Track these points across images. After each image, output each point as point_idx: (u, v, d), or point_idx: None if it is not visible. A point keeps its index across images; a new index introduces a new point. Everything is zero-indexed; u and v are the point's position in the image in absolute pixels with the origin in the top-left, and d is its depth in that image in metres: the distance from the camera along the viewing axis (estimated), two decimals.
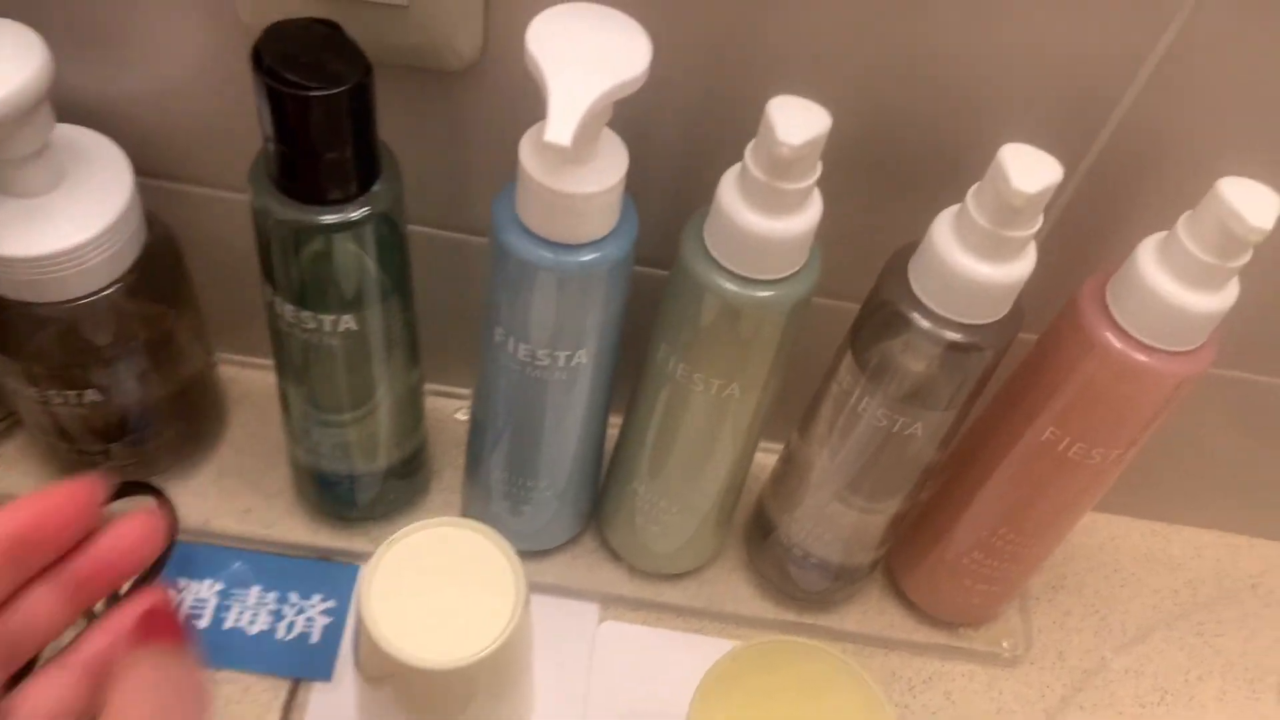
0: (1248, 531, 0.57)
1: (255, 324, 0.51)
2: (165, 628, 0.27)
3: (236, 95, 0.38)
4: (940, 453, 0.42)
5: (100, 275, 0.40)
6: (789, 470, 0.46)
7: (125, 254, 0.41)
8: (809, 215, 0.34)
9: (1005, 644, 0.51)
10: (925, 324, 0.36)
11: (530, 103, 0.32)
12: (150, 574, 0.43)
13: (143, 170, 0.41)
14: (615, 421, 0.46)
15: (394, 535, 0.39)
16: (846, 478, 0.43)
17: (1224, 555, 0.57)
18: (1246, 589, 0.56)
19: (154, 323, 0.44)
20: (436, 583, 0.38)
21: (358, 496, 0.48)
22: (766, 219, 0.34)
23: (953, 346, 0.36)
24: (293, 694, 0.45)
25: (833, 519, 0.45)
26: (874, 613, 0.51)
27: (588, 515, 0.50)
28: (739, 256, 0.35)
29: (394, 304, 0.40)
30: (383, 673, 0.39)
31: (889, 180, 0.40)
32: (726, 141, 0.36)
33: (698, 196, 0.37)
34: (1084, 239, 0.41)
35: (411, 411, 0.46)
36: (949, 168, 0.38)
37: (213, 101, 0.41)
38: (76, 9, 0.38)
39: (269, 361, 0.53)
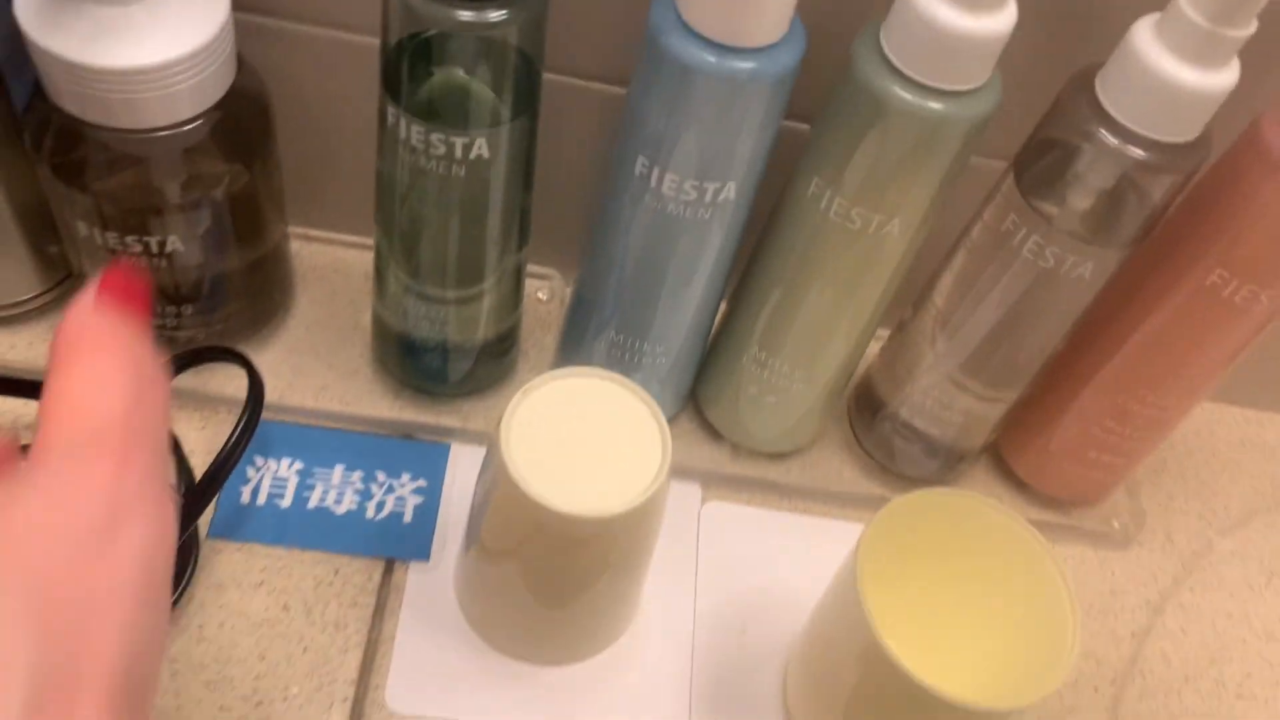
0: None
1: (326, 194, 0.47)
2: (125, 292, 0.24)
3: None
4: (1081, 317, 0.40)
5: (184, 105, 0.36)
6: (905, 343, 0.44)
7: (213, 87, 0.37)
8: (1007, 14, 0.32)
9: (1116, 524, 0.49)
10: (1113, 140, 0.33)
11: None
12: (239, 445, 0.39)
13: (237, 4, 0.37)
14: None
15: (531, 381, 0.36)
16: (975, 343, 0.41)
17: None
18: None
19: (235, 178, 0.40)
20: (577, 433, 0.35)
21: (449, 370, 0.45)
22: (960, 13, 0.31)
23: (1140, 167, 0.34)
24: (387, 575, 0.42)
25: (948, 398, 0.43)
26: (980, 491, 0.48)
27: (687, 396, 0.47)
28: (923, 59, 0.32)
29: (525, 133, 0.36)
30: (516, 532, 0.36)
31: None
32: None
33: (852, 23, 0.35)
34: (1267, 63, 0.38)
35: (516, 285, 0.43)
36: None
37: None
38: None
39: (336, 235, 0.50)
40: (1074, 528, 0.49)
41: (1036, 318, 0.39)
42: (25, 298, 0.44)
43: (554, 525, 0.34)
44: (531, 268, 0.50)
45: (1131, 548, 0.49)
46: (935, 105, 0.33)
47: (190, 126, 0.37)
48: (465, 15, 0.32)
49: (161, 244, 0.39)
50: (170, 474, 0.19)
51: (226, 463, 0.39)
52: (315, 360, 0.47)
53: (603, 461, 0.35)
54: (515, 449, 0.34)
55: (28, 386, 0.41)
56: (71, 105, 0.35)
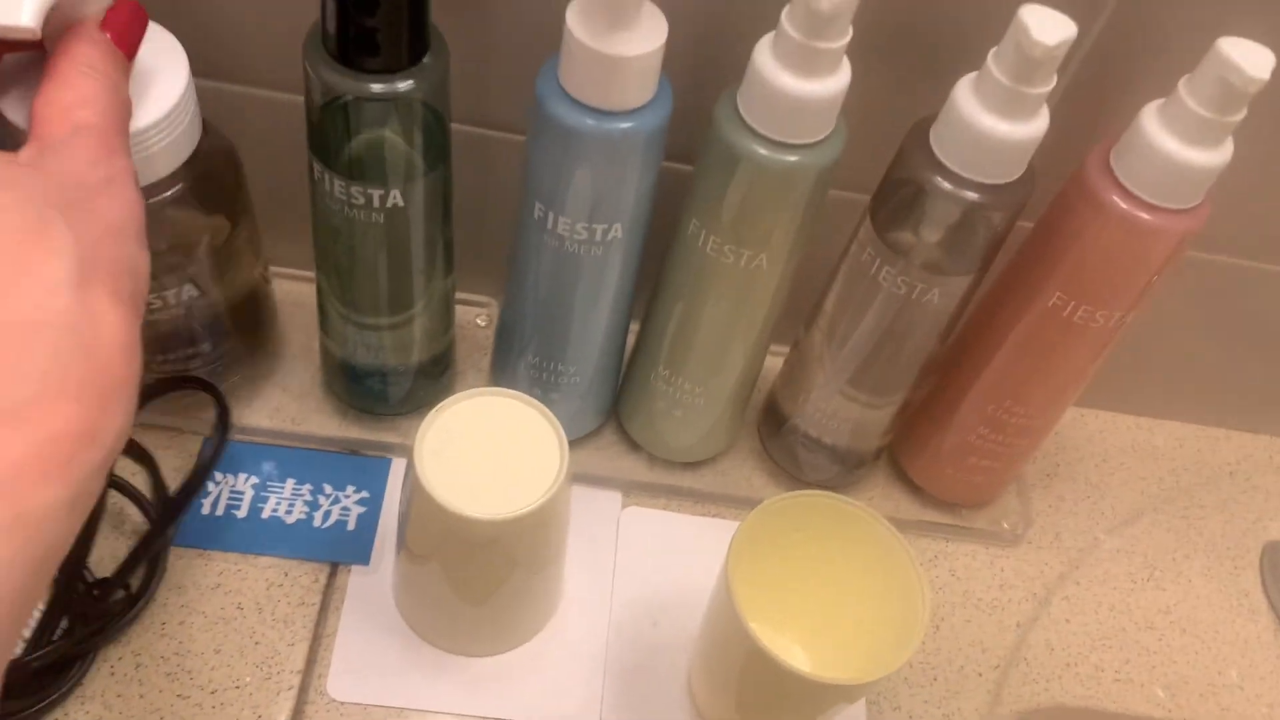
0: (1224, 424, 0.61)
1: (279, 232, 0.52)
2: (126, 28, 0.32)
3: None
4: (945, 333, 0.44)
5: (160, 165, 0.40)
6: (799, 362, 0.49)
7: (184, 145, 0.40)
8: (840, 79, 0.36)
9: (1005, 524, 0.54)
10: (946, 185, 0.38)
11: None
12: (209, 465, 0.44)
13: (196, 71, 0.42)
14: (632, 328, 0.48)
15: (443, 401, 0.41)
16: (856, 362, 0.45)
17: (1204, 446, 0.60)
18: (1225, 476, 0.59)
19: (217, 230, 0.43)
20: (484, 446, 0.40)
21: (389, 391, 0.50)
22: (800, 80, 0.36)
23: (972, 206, 0.38)
24: (332, 577, 0.47)
25: (839, 409, 0.48)
26: (880, 496, 0.53)
27: (608, 411, 0.52)
28: (773, 120, 0.37)
29: (437, 181, 0.41)
30: (432, 536, 0.41)
31: (907, 59, 0.43)
32: (746, 17, 0.38)
33: (719, 79, 0.40)
34: (1091, 108, 0.43)
35: (445, 310, 0.48)
36: (964, 47, 0.40)
37: None
38: None
39: (291, 270, 0.55)
40: (965, 528, 0.53)
41: (902, 336, 0.44)
42: None
43: (462, 529, 0.39)
44: (469, 295, 0.55)
45: (1020, 546, 0.54)
46: (786, 157, 0.38)
47: (170, 188, 0.40)
48: (376, 87, 0.37)
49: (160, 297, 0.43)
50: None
51: (197, 481, 0.44)
52: (270, 384, 0.52)
53: (507, 471, 0.40)
54: (427, 461, 0.39)
55: None
56: None
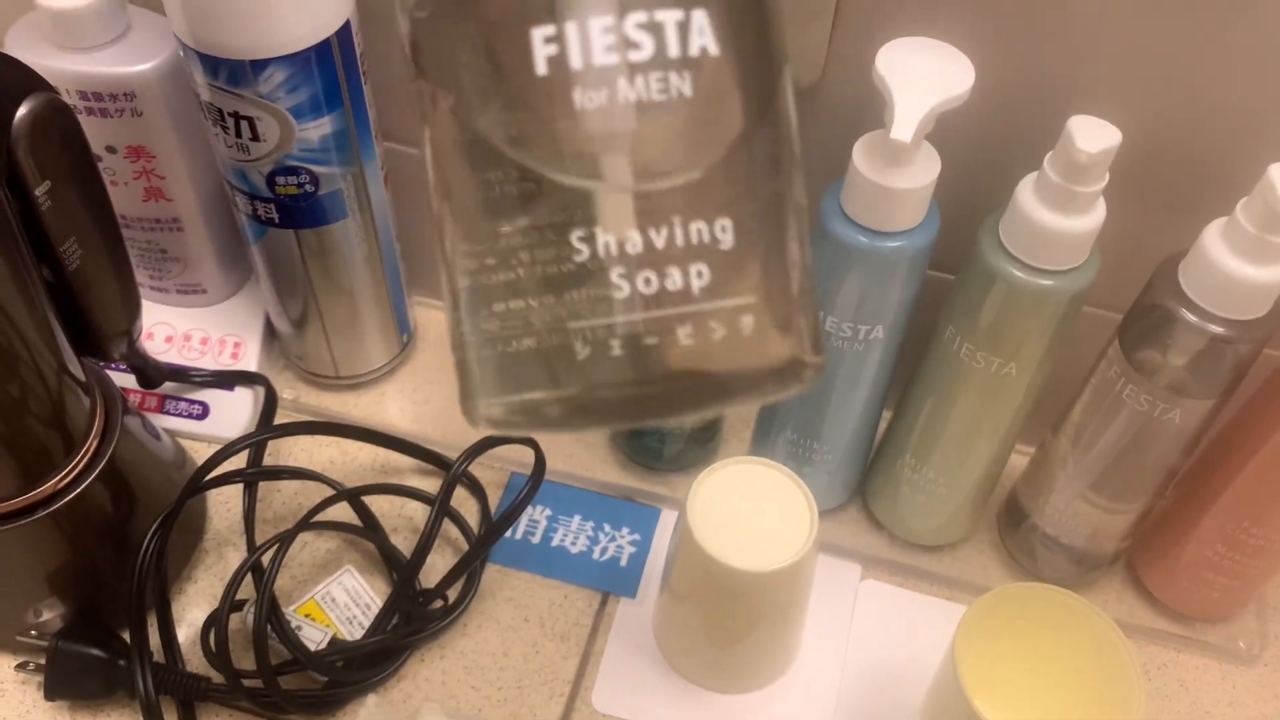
0: None
1: None
2: None
3: None
4: (1187, 449, 0.47)
5: None
6: (1043, 463, 0.52)
7: None
8: (1094, 217, 0.41)
9: (1242, 643, 0.54)
10: (1192, 318, 0.42)
11: (853, 118, 0.40)
12: (524, 500, 0.53)
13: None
14: (885, 415, 0.54)
15: (713, 464, 0.47)
16: (1098, 469, 0.49)
17: None
18: None
19: None
20: (745, 506, 0.47)
21: (665, 450, 0.57)
22: (1057, 216, 0.41)
23: (1216, 338, 0.42)
24: (603, 604, 0.55)
25: (1079, 512, 0.51)
26: (1113, 600, 0.56)
27: (855, 487, 0.57)
28: (1030, 248, 0.42)
29: None
30: (694, 580, 0.48)
31: (1162, 198, 0.46)
32: (1016, 156, 0.43)
33: (986, 205, 0.45)
34: None
35: None
36: (1215, 188, 0.43)
37: None
38: None
39: None
40: (1198, 641, 0.54)
41: (1143, 449, 0.47)
42: (376, 366, 0.61)
43: (721, 576, 0.45)
44: None
45: (1256, 667, 0.54)
46: (1040, 281, 0.42)
47: None
48: None
49: None
50: None
51: (515, 513, 0.54)
52: (567, 435, 0.61)
53: (763, 531, 0.46)
54: (697, 514, 0.46)
55: (366, 434, 0.57)
56: None
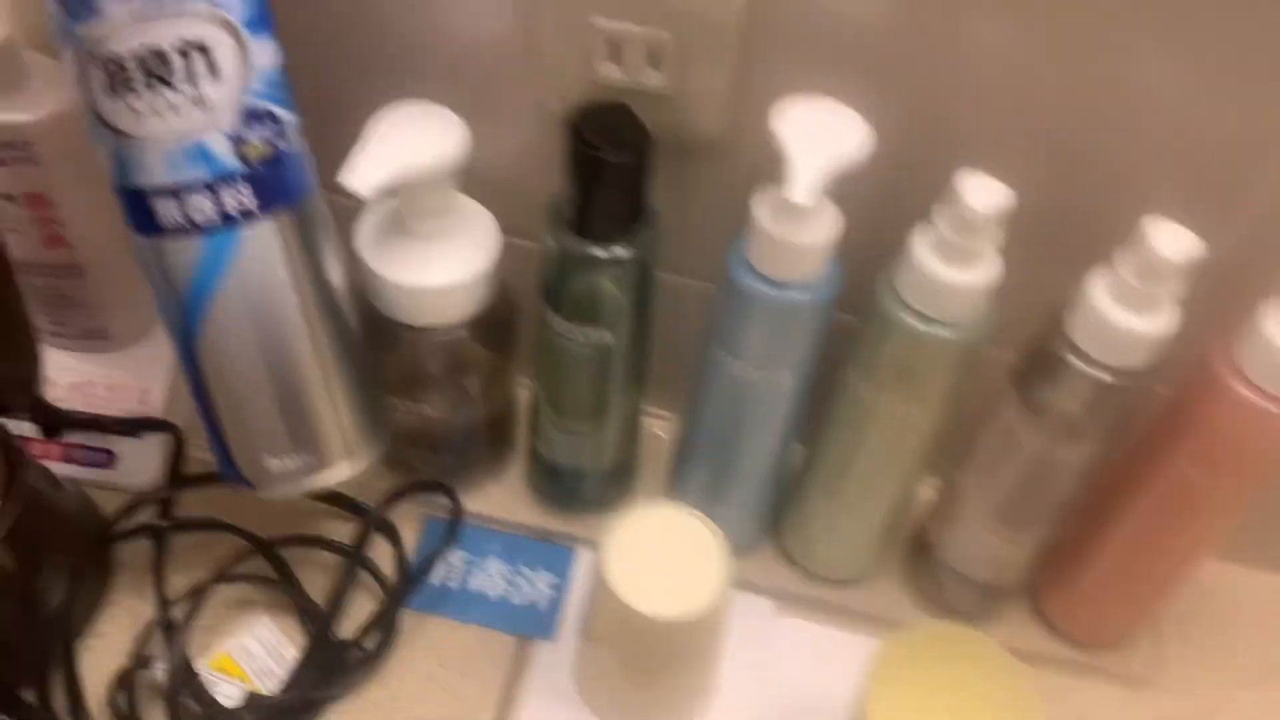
0: None
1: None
2: None
3: (537, 159, 0.49)
4: (1083, 484, 0.49)
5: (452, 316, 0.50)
6: (949, 498, 0.54)
7: (475, 302, 0.50)
8: (988, 271, 0.43)
9: (1136, 666, 0.57)
10: (1081, 365, 0.43)
11: (755, 171, 0.41)
12: (441, 550, 0.53)
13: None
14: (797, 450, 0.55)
15: (628, 509, 0.48)
16: (999, 505, 0.51)
17: None
18: None
19: (488, 363, 0.53)
20: (658, 551, 0.47)
21: (582, 488, 0.58)
22: (951, 269, 0.42)
23: (1103, 385, 0.43)
24: (521, 648, 0.55)
25: (984, 544, 0.53)
26: (1018, 630, 0.57)
27: (768, 523, 0.59)
28: (924, 299, 0.43)
29: (639, 325, 0.49)
30: (610, 625, 0.48)
31: (1050, 245, 0.48)
32: (915, 206, 0.45)
33: (888, 252, 0.46)
34: (1218, 305, 0.47)
35: (634, 422, 0.56)
36: (1100, 239, 0.45)
37: (526, 163, 0.52)
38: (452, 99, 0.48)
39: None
40: (1096, 667, 0.56)
41: (1041, 483, 0.49)
42: None
43: (636, 622, 0.46)
44: (655, 410, 0.63)
45: (1149, 689, 0.56)
46: (937, 331, 0.44)
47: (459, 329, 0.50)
48: (599, 252, 0.45)
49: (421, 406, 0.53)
50: None
51: (429, 564, 0.54)
52: (485, 475, 0.61)
53: (677, 575, 0.47)
54: (612, 562, 0.46)
55: None
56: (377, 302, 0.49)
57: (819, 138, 0.40)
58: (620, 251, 0.46)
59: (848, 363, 0.49)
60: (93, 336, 0.58)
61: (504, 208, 0.51)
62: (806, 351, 0.47)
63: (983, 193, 0.40)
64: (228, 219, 0.41)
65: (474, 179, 0.49)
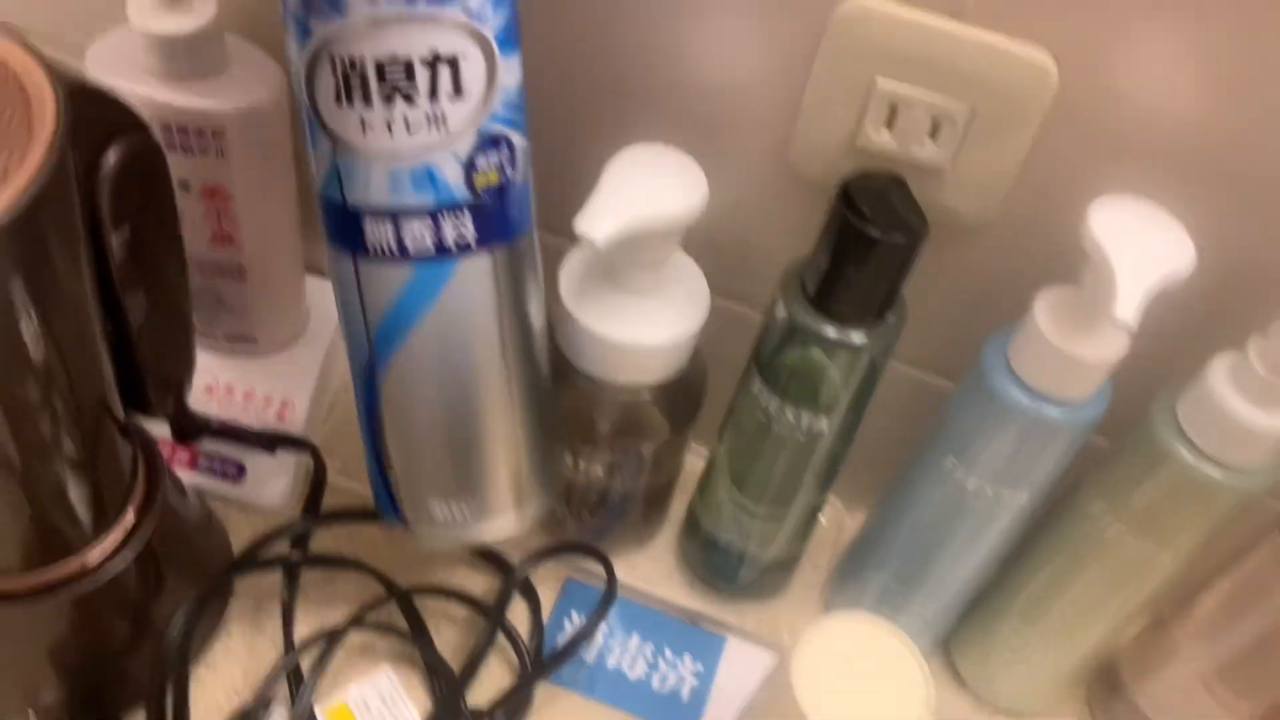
0: None
1: None
2: None
3: (768, 221, 0.44)
4: None
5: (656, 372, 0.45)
6: (1157, 641, 0.48)
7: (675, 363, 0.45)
8: None
9: None
10: None
11: (1025, 261, 0.36)
12: (594, 625, 0.49)
13: None
14: None
15: (820, 620, 0.43)
16: (1228, 662, 0.45)
17: None
18: None
19: (663, 435, 0.48)
20: (853, 672, 0.42)
21: (740, 573, 0.53)
22: (1255, 410, 0.37)
23: None
24: None
25: (1197, 703, 0.47)
26: None
27: (943, 640, 0.53)
28: (1213, 438, 0.38)
29: (854, 416, 0.44)
30: None
31: None
32: (1205, 332, 0.40)
33: (1159, 375, 0.41)
34: None
35: (814, 514, 0.51)
36: None
37: (753, 223, 0.47)
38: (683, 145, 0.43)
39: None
40: None
41: None
42: None
43: None
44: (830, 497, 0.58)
45: None
46: (1213, 472, 0.38)
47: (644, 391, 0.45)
48: (835, 334, 0.40)
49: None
50: None
51: (580, 639, 0.49)
52: (634, 547, 0.56)
53: (873, 703, 0.41)
54: (803, 674, 0.41)
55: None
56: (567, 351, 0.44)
57: (1141, 248, 0.35)
58: (857, 338, 0.41)
59: (1090, 488, 0.43)
60: (239, 340, 0.53)
61: (717, 266, 0.46)
62: (1052, 473, 0.42)
63: None
64: (442, 250, 0.37)
65: (690, 232, 0.44)
